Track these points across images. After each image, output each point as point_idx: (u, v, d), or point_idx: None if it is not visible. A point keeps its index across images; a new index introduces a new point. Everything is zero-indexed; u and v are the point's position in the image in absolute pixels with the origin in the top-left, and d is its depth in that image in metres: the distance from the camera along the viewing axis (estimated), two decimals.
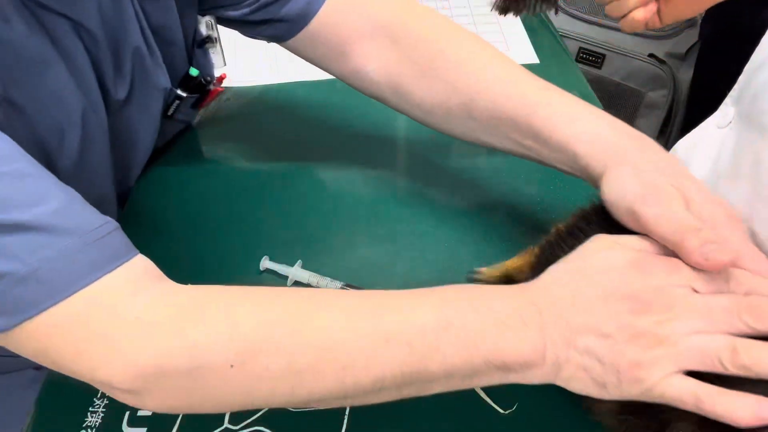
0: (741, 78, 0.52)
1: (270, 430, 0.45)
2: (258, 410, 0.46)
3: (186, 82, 0.65)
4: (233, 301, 0.39)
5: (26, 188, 0.37)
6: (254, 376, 0.36)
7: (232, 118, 0.79)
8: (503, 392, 0.47)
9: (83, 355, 0.36)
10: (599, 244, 0.39)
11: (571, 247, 0.40)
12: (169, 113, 0.65)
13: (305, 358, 0.36)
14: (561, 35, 1.00)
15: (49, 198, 0.37)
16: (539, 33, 0.95)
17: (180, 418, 0.46)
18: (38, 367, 0.67)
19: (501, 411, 0.46)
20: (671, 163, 0.44)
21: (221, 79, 0.72)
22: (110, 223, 0.39)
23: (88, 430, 0.45)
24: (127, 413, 0.46)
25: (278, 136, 0.75)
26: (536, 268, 0.45)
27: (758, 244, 0.40)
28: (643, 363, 0.34)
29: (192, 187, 0.67)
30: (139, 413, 0.46)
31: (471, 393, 0.47)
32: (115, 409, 0.46)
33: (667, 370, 0.34)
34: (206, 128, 0.77)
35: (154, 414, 0.46)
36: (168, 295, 0.39)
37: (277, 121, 0.78)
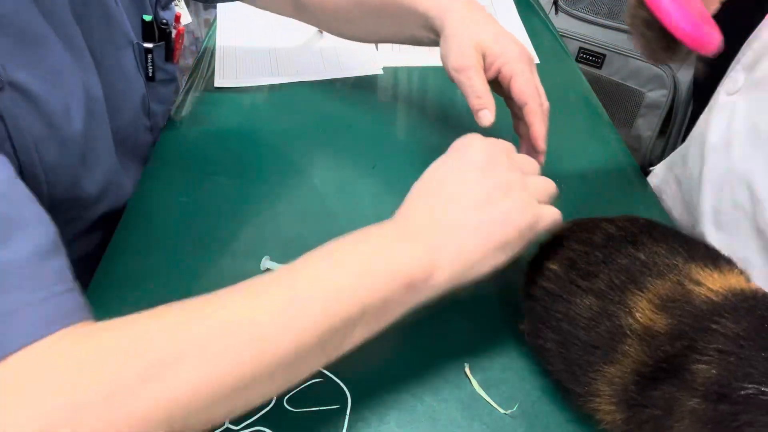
0: (754, 45, 0.53)
1: (270, 430, 0.45)
2: (258, 410, 0.46)
3: (146, 34, 0.66)
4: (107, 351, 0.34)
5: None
6: (171, 390, 0.33)
7: (232, 117, 0.79)
8: (503, 393, 0.47)
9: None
10: (445, 163, 0.47)
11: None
12: (150, 75, 0.66)
13: (217, 343, 0.34)
14: (561, 35, 1.00)
15: (9, 243, 0.35)
16: (539, 33, 0.95)
17: None
18: None
19: (501, 411, 0.46)
20: (484, 13, 0.61)
21: (178, 17, 0.71)
22: (61, 284, 0.37)
23: None
24: None
25: (278, 136, 0.75)
26: None
27: None
28: (526, 203, 0.43)
29: (193, 187, 0.67)
30: None
31: (471, 393, 0.47)
32: None
33: (537, 203, 0.44)
34: (206, 128, 0.77)
35: None
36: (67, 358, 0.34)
37: (276, 121, 0.78)
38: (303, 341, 0.36)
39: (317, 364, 0.39)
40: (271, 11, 0.78)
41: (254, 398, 0.37)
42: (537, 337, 0.45)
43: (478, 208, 0.42)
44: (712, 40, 0.39)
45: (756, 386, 0.32)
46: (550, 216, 0.45)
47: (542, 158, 0.59)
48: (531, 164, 0.49)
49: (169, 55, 0.70)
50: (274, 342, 0.36)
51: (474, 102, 0.58)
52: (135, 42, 0.64)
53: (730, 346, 0.34)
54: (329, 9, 0.71)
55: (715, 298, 0.37)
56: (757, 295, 0.37)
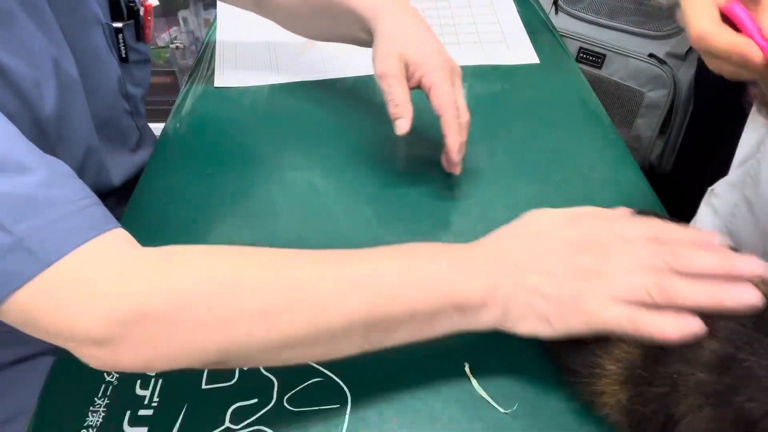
0: None
1: (271, 430, 0.45)
2: (258, 410, 0.46)
3: (114, 13, 0.66)
4: (209, 251, 0.42)
5: (13, 159, 0.38)
6: (231, 318, 0.38)
7: (232, 117, 0.79)
8: (503, 392, 0.47)
9: (63, 310, 0.37)
10: (536, 212, 0.46)
11: None
12: (123, 56, 0.67)
13: (279, 300, 0.39)
14: (561, 35, 1.00)
15: (34, 170, 0.38)
16: (539, 33, 0.95)
17: (181, 418, 0.46)
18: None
19: (501, 410, 0.46)
20: (416, 19, 0.62)
21: None
22: (91, 198, 0.41)
23: (89, 429, 0.45)
24: (128, 413, 0.46)
25: (278, 136, 0.75)
26: None
27: None
28: (583, 293, 0.39)
29: (192, 187, 0.68)
30: (140, 413, 0.46)
31: (471, 393, 0.47)
32: (116, 409, 0.46)
33: (605, 299, 0.39)
34: (206, 128, 0.77)
35: (155, 413, 0.46)
36: (148, 254, 0.41)
37: (276, 121, 0.78)
38: (350, 320, 0.40)
39: (355, 348, 0.42)
40: (234, 5, 0.80)
41: (295, 358, 0.42)
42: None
43: (539, 273, 0.41)
44: None
45: (757, 360, 0.33)
46: (610, 319, 0.39)
47: (457, 169, 0.62)
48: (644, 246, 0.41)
49: (140, 33, 0.70)
50: (328, 315, 0.39)
51: (391, 110, 0.58)
52: (104, 22, 0.64)
53: (740, 327, 0.34)
54: (283, 6, 0.73)
55: None
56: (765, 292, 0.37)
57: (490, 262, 0.43)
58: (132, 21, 0.68)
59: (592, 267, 0.40)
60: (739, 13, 0.38)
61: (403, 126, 0.58)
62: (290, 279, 0.40)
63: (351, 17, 0.65)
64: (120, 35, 0.66)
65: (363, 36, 0.65)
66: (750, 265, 0.37)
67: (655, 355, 0.37)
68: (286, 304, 0.39)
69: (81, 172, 0.62)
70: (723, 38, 0.38)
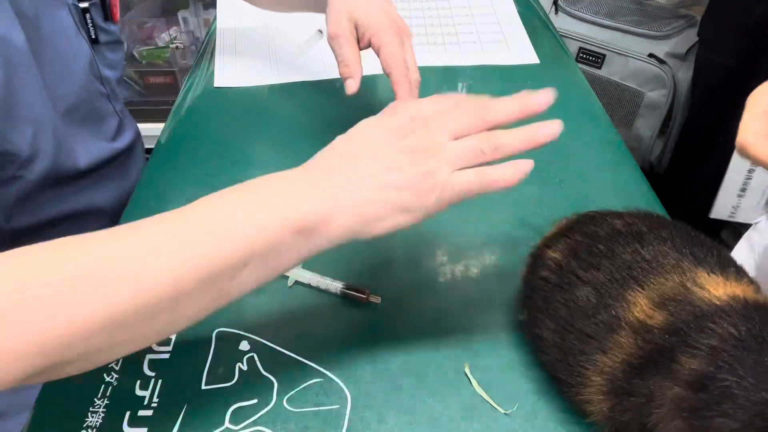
0: None
1: (270, 430, 0.45)
2: (259, 410, 0.46)
3: None
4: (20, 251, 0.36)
5: None
6: (45, 309, 0.34)
7: (232, 118, 0.79)
8: (503, 392, 0.47)
9: None
10: (354, 128, 0.45)
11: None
12: (93, 37, 0.67)
13: (92, 278, 0.35)
14: (561, 35, 1.00)
15: None
16: (539, 33, 0.95)
17: (181, 418, 0.46)
18: None
19: (501, 411, 0.46)
20: None
21: None
22: None
23: (89, 430, 0.45)
24: (128, 413, 0.46)
25: (278, 136, 0.75)
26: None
27: None
28: (429, 170, 0.41)
29: (193, 187, 0.67)
30: (140, 413, 0.46)
31: (471, 393, 0.47)
32: (116, 409, 0.46)
33: (449, 169, 0.41)
34: (206, 128, 0.77)
35: (154, 414, 0.46)
36: None
37: (276, 122, 0.78)
38: (183, 282, 0.36)
39: (205, 305, 0.39)
40: None
41: (138, 336, 0.37)
42: (534, 327, 0.46)
43: (381, 169, 0.42)
44: None
45: (736, 380, 0.33)
46: (460, 184, 0.42)
47: None
48: (470, 117, 0.44)
49: (108, 13, 0.70)
50: (151, 281, 0.36)
51: (341, 70, 0.60)
52: (70, 3, 0.64)
53: (723, 345, 0.35)
54: None
55: (716, 303, 0.38)
56: (760, 305, 0.38)
57: (326, 175, 0.42)
58: (97, 0, 0.68)
59: (424, 145, 0.42)
60: None
61: (351, 86, 0.60)
62: (101, 258, 0.36)
63: None
64: (87, 15, 0.66)
65: (319, 6, 0.66)
66: (541, 98, 0.46)
67: (636, 368, 0.38)
68: (100, 281, 0.35)
69: (33, 151, 0.62)
70: (759, 150, 0.40)
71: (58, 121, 0.64)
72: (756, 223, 0.66)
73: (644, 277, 0.40)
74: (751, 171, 0.59)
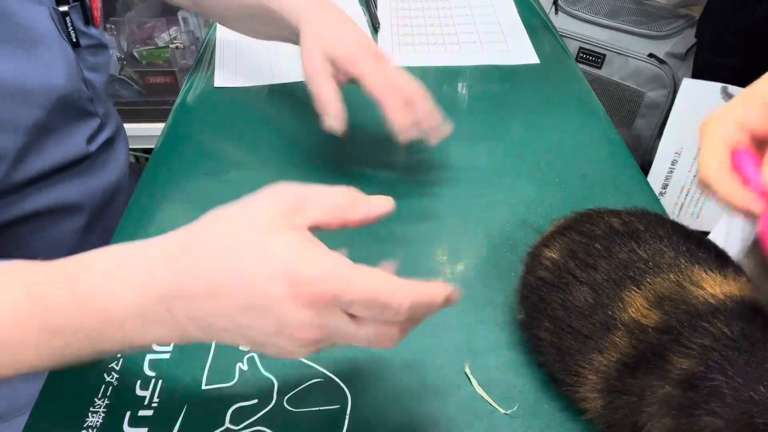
0: None
1: (270, 430, 0.45)
2: (259, 410, 0.46)
3: None
4: None
5: None
6: None
7: (232, 118, 0.79)
8: (503, 392, 0.47)
9: None
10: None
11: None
12: (74, 40, 0.67)
13: None
14: (561, 35, 1.00)
15: None
16: (539, 33, 0.95)
17: (181, 418, 0.46)
18: None
19: (501, 411, 0.46)
20: (339, 16, 0.62)
21: None
22: None
23: (89, 430, 0.45)
24: (128, 413, 0.46)
25: (278, 136, 0.75)
26: None
27: None
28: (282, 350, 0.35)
29: (193, 187, 0.68)
30: (140, 413, 0.46)
31: (471, 393, 0.47)
32: (116, 410, 0.46)
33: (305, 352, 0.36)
34: (206, 128, 0.77)
35: (155, 414, 0.46)
36: None
37: (276, 122, 0.78)
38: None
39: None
40: (173, 4, 0.81)
41: None
42: (531, 326, 0.46)
43: (250, 322, 0.35)
44: None
45: (725, 380, 0.33)
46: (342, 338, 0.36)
47: (434, 138, 0.60)
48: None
49: (89, 17, 0.70)
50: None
51: (320, 110, 0.58)
52: (51, 7, 0.64)
53: (715, 344, 0.35)
54: (217, 8, 0.74)
55: (712, 301, 0.38)
56: (756, 304, 0.38)
57: (170, 315, 0.35)
58: (78, 3, 0.67)
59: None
60: (744, 163, 0.37)
61: (329, 123, 0.58)
62: None
63: (280, 22, 0.65)
64: (68, 18, 0.66)
65: (294, 38, 0.65)
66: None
67: (629, 367, 0.38)
68: None
69: (24, 153, 0.62)
70: (722, 187, 0.37)
71: (31, 122, 0.64)
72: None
73: (640, 276, 0.41)
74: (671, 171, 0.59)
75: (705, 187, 0.39)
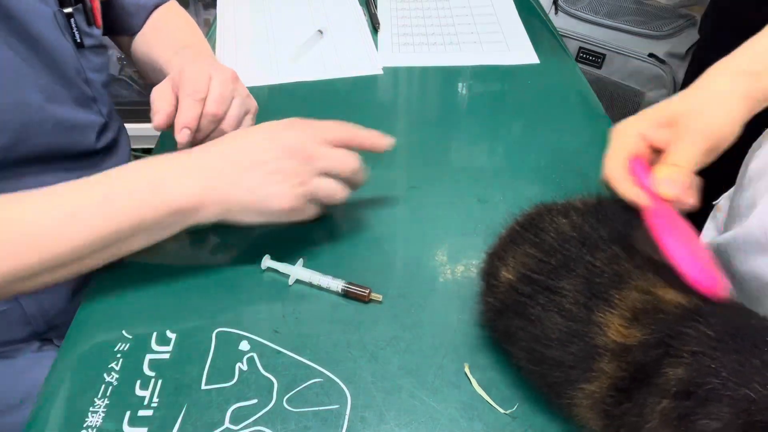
0: None
1: (270, 430, 0.45)
2: (259, 410, 0.46)
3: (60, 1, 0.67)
4: None
5: None
6: None
7: None
8: (503, 392, 0.47)
9: None
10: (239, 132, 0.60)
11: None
12: (78, 41, 0.68)
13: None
14: (561, 35, 1.00)
15: None
16: (539, 33, 0.95)
17: (181, 418, 0.46)
18: (43, 339, 0.67)
19: (501, 411, 0.46)
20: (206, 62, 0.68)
21: None
22: None
23: (89, 430, 0.45)
24: (128, 413, 0.46)
25: None
26: None
27: None
28: (299, 173, 0.53)
29: None
30: (140, 413, 0.46)
31: (471, 393, 0.47)
32: (116, 410, 0.46)
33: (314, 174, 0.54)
34: None
35: (155, 414, 0.46)
36: None
37: None
38: (78, 245, 0.48)
39: (99, 261, 0.51)
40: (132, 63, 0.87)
41: (37, 284, 0.49)
42: (509, 354, 0.46)
43: (253, 171, 0.52)
44: (720, 286, 0.39)
45: (719, 382, 0.33)
46: (324, 191, 0.55)
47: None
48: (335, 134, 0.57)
49: (90, 18, 0.71)
50: (50, 242, 0.48)
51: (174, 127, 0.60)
52: (55, 10, 0.65)
53: (701, 347, 0.35)
54: (140, 61, 0.83)
55: (685, 303, 0.38)
56: (720, 299, 0.38)
57: (201, 169, 0.52)
58: (80, 5, 0.68)
59: (297, 171, 0.53)
60: (637, 169, 0.47)
61: (180, 136, 0.59)
62: (10, 219, 0.47)
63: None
64: (72, 20, 0.67)
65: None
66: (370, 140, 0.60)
67: (623, 390, 0.38)
68: (8, 241, 0.47)
69: (18, 140, 0.62)
70: (620, 186, 0.47)
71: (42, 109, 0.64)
72: (716, 203, 0.67)
73: (605, 291, 0.40)
74: None
75: (606, 184, 0.49)
